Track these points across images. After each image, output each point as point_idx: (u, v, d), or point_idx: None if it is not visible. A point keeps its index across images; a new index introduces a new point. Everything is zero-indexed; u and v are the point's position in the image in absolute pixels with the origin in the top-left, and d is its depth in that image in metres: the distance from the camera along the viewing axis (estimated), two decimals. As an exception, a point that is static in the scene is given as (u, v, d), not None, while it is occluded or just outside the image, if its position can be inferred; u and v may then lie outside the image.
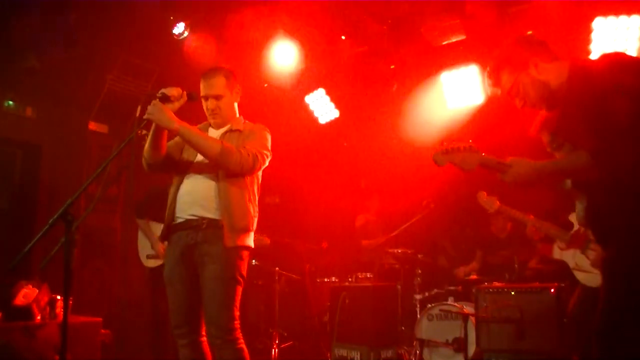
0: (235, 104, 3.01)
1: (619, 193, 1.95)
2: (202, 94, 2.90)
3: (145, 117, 2.60)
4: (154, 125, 2.68)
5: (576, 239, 3.63)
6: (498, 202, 3.92)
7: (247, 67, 5.51)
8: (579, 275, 3.69)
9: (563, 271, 3.92)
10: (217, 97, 2.88)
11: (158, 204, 4.65)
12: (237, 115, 3.02)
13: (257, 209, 2.90)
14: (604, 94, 1.96)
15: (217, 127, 2.97)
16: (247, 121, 3.02)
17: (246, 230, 2.79)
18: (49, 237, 2.19)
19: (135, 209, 4.85)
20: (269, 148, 2.92)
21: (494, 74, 2.28)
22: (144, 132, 2.74)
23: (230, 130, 2.90)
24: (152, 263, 4.71)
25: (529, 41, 2.25)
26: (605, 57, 2.11)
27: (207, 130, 2.96)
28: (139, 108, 2.67)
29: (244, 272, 2.79)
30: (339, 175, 6.86)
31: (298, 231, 6.20)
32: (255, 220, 2.88)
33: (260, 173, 2.95)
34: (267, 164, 2.92)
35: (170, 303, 2.81)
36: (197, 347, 2.77)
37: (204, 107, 2.93)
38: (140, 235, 4.84)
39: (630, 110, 1.90)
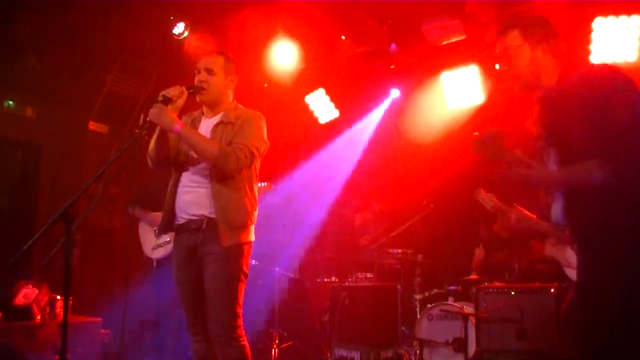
0: (229, 92, 2.96)
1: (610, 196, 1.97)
2: (195, 68, 2.89)
3: (148, 119, 2.64)
4: (158, 127, 2.72)
5: (566, 235, 3.60)
6: (495, 199, 3.91)
7: (247, 67, 5.50)
8: (570, 272, 3.66)
9: (563, 271, 3.91)
10: (209, 71, 2.86)
11: (158, 194, 4.65)
12: (231, 101, 2.96)
13: (255, 201, 2.88)
14: (605, 100, 1.97)
15: (208, 111, 2.93)
16: (240, 107, 2.96)
17: (244, 227, 2.79)
18: (49, 237, 2.18)
19: (135, 199, 4.81)
20: (265, 138, 2.89)
21: (507, 25, 2.24)
22: (144, 132, 2.75)
23: (222, 123, 2.86)
24: (158, 253, 4.62)
25: (553, 28, 2.23)
26: (604, 68, 2.15)
27: (200, 121, 2.93)
28: (142, 115, 2.69)
29: (246, 269, 2.80)
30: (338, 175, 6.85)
31: (298, 231, 6.20)
32: (254, 214, 2.87)
33: (257, 163, 2.92)
34: (264, 153, 2.90)
35: (182, 303, 2.86)
36: (210, 341, 2.79)
37: (195, 82, 2.86)
38: (141, 229, 4.75)
39: (628, 119, 1.93)
